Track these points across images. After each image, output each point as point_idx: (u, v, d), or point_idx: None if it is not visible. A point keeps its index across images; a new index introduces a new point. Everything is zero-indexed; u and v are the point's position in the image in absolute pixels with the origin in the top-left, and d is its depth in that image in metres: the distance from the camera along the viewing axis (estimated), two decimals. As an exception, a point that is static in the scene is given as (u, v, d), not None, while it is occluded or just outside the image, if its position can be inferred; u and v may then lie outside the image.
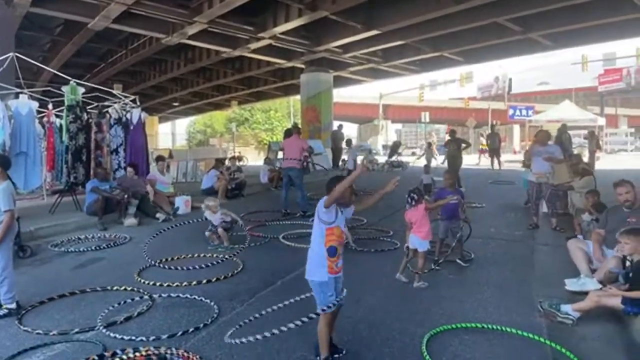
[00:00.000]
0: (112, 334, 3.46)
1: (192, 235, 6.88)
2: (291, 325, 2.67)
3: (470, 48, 18.72)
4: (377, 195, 3.21)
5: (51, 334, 3.52)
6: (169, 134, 52.95)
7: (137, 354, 3.12)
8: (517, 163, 16.16)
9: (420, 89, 40.74)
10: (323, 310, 2.83)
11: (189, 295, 4.34)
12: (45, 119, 9.58)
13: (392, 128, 59.46)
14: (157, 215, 8.39)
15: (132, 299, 4.25)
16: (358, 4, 13.60)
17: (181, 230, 6.80)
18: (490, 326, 3.52)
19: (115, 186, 8.23)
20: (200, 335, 3.50)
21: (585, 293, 3.86)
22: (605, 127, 31.98)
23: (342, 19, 14.95)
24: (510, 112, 41.37)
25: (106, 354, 3.12)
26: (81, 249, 6.35)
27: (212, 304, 4.08)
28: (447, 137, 16.83)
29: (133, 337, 3.39)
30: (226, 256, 5.57)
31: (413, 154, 31.71)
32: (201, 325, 3.62)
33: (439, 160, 20.10)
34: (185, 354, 3.09)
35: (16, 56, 8.42)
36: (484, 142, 23.27)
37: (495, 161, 18.39)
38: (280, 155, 14.72)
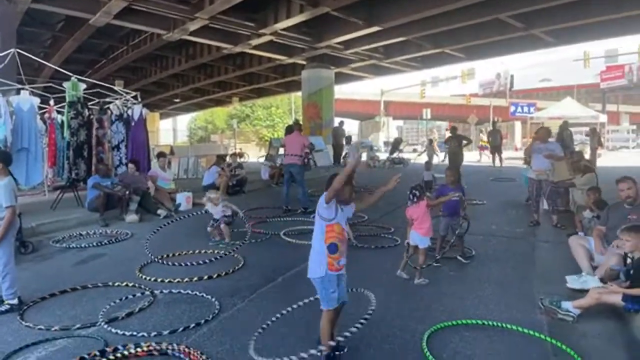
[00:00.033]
0: (113, 330, 3.47)
1: (193, 231, 6.90)
2: (347, 334, 2.78)
3: (471, 44, 18.65)
4: (378, 193, 3.20)
5: (53, 329, 3.54)
6: (170, 130, 52.85)
7: (139, 349, 3.13)
8: (519, 160, 16.15)
9: (421, 86, 40.69)
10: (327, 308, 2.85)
11: (190, 291, 4.35)
12: (46, 115, 9.58)
13: (393, 125, 59.32)
14: (159, 211, 8.41)
15: (134, 295, 4.25)
16: (359, 0, 13.56)
17: (182, 226, 6.82)
18: (491, 323, 3.52)
19: (117, 182, 8.23)
20: (201, 331, 3.51)
21: (587, 290, 3.86)
22: (607, 124, 31.97)
23: (344, 15, 14.91)
24: (512, 108, 41.37)
25: (108, 349, 3.13)
26: (83, 245, 6.37)
27: (213, 300, 4.09)
28: (448, 134, 16.83)
29: (134, 333, 3.40)
30: (227, 252, 5.58)
31: (414, 150, 31.69)
32: (202, 321, 3.63)
33: (441, 157, 20.11)
34: (187, 350, 3.10)
35: (17, 52, 8.41)
36: (484, 138, 23.27)
37: (497, 158, 18.37)
38: (281, 151, 14.73)
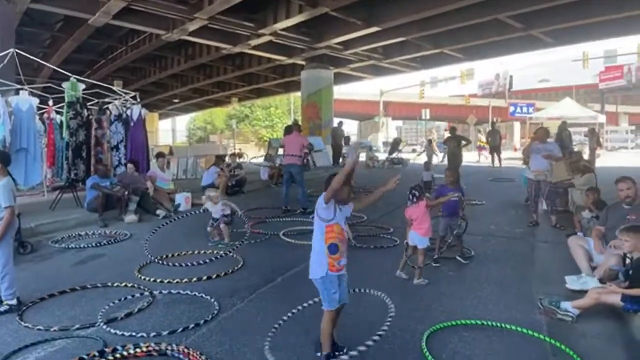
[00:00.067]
0: (112, 330, 3.47)
1: (193, 231, 6.89)
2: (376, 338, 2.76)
3: (471, 45, 18.67)
4: (377, 193, 3.19)
5: (52, 330, 3.54)
6: (169, 130, 52.95)
7: (138, 350, 3.12)
8: (518, 160, 16.18)
9: (420, 86, 40.72)
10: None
11: (189, 292, 4.35)
12: (45, 116, 9.58)
13: (392, 125, 59.35)
14: (158, 211, 8.40)
15: (133, 296, 4.25)
16: (359, 0, 13.57)
17: (181, 226, 6.82)
18: (490, 323, 3.52)
19: (116, 183, 8.23)
20: (200, 331, 3.51)
21: (586, 291, 3.87)
22: (605, 124, 31.99)
23: (343, 16, 14.91)
24: (511, 109, 41.34)
25: (107, 350, 3.13)
26: (82, 246, 6.37)
27: (213, 300, 4.09)
28: (447, 134, 16.85)
29: (133, 333, 3.40)
30: (226, 252, 5.57)
31: (413, 150, 31.72)
32: (202, 321, 3.62)
33: (440, 158, 20.11)
34: (186, 350, 3.09)
35: (16, 52, 8.40)
36: (482, 138, 23.27)
37: (496, 158, 18.39)
38: (280, 151, 14.71)
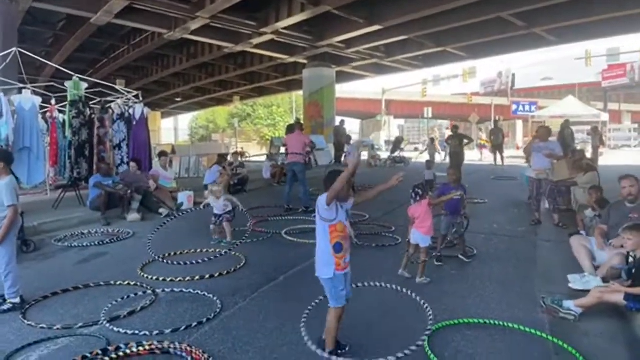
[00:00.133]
0: (115, 329, 3.48)
1: (195, 230, 6.91)
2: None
3: (473, 43, 18.61)
4: (379, 188, 3.20)
5: (55, 328, 3.54)
6: (172, 129, 53.03)
7: (141, 348, 3.13)
8: (520, 159, 16.14)
9: (423, 85, 40.63)
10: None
11: (192, 290, 4.36)
12: (48, 114, 9.60)
13: (394, 124, 59.29)
14: (160, 210, 8.41)
15: (136, 294, 4.26)
16: (361, -2, 13.58)
17: (184, 225, 6.83)
18: (492, 322, 3.52)
19: (118, 181, 8.24)
20: (203, 329, 3.51)
21: (589, 290, 3.86)
22: (608, 122, 31.88)
23: (345, 14, 14.89)
24: (514, 107, 41.28)
25: (110, 348, 3.14)
26: (84, 244, 6.38)
27: (215, 298, 4.10)
28: (449, 133, 16.82)
29: (136, 332, 3.41)
30: (228, 250, 5.57)
31: (416, 149, 31.67)
32: (204, 320, 3.63)
33: (442, 156, 20.10)
34: (189, 349, 3.10)
35: (19, 51, 8.42)
36: (483, 137, 23.23)
37: (499, 157, 18.35)
38: (282, 150, 14.72)
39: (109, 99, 9.95)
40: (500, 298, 4.15)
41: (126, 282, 4.61)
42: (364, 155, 20.09)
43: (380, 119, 45.95)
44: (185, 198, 9.15)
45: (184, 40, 17.84)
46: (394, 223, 7.12)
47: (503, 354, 3.16)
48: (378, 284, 3.86)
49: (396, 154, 20.67)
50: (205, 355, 3.01)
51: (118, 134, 9.37)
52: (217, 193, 6.35)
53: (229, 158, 12.74)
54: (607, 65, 40.27)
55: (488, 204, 9.24)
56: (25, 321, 3.69)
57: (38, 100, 8.40)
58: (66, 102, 9.11)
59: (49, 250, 6.17)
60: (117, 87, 10.38)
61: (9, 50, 8.37)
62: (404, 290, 3.84)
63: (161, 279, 4.71)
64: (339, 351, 3.00)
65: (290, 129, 9.66)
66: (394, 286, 3.88)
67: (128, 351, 3.10)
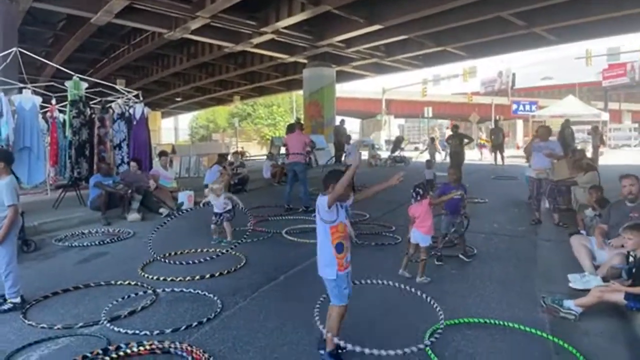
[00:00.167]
0: (116, 328, 3.48)
1: (195, 229, 6.91)
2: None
3: (473, 43, 18.61)
4: (379, 186, 3.20)
5: (55, 328, 3.54)
6: (172, 129, 53.05)
7: (141, 348, 3.13)
8: (520, 158, 16.14)
9: (423, 84, 40.64)
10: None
11: (192, 290, 4.36)
12: (48, 114, 9.59)
13: (394, 123, 59.35)
14: (161, 210, 8.41)
15: (136, 294, 4.26)
16: (361, -2, 13.59)
17: (184, 225, 6.83)
18: (492, 321, 3.52)
19: (119, 181, 8.24)
20: (203, 329, 3.51)
21: (589, 290, 3.86)
22: (609, 122, 31.87)
23: (345, 14, 14.89)
24: (514, 107, 41.28)
25: (110, 347, 3.14)
26: (85, 244, 6.38)
27: (216, 298, 4.10)
28: (449, 132, 16.82)
29: (137, 331, 3.41)
30: (228, 249, 5.57)
31: (416, 149, 31.68)
32: (205, 319, 3.63)
33: (443, 156, 20.09)
34: (189, 348, 3.10)
35: (19, 51, 8.42)
36: (483, 136, 23.22)
37: (499, 156, 18.35)
38: (282, 150, 14.72)
39: (109, 98, 9.95)
40: (500, 297, 4.15)
41: (127, 282, 4.61)
42: (364, 155, 20.09)
43: (380, 119, 45.99)
44: (185, 198, 9.15)
45: (184, 40, 17.84)
46: (394, 223, 7.12)
47: (503, 353, 3.16)
48: (380, 282, 3.85)
49: (396, 153, 20.68)
50: (206, 355, 3.01)
51: (118, 134, 9.37)
52: (218, 191, 6.35)
53: (229, 158, 12.76)
54: (608, 65, 40.26)
55: (488, 203, 9.23)
56: (26, 321, 3.69)
57: (38, 100, 8.41)
58: (66, 102, 9.10)
59: (49, 250, 6.17)
60: (117, 86, 10.38)
61: (9, 50, 8.37)
62: (407, 287, 3.83)
63: (161, 278, 4.71)
64: (339, 351, 3.00)
65: (290, 129, 9.67)
66: (396, 284, 3.87)
67: (128, 351, 3.10)
